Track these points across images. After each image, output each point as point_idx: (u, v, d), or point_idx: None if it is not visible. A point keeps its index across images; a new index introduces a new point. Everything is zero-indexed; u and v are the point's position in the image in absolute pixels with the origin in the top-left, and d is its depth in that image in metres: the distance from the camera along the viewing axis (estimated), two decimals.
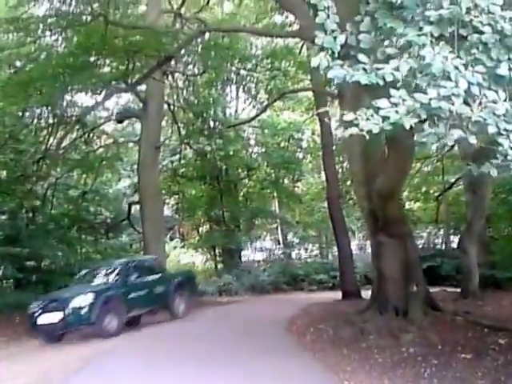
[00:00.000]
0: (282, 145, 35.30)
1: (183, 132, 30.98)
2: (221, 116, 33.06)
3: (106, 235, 30.72)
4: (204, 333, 15.59)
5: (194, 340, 14.31)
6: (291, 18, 26.33)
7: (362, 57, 6.27)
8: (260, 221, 38.33)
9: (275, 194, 36.95)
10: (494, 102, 5.88)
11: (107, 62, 22.94)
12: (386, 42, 6.54)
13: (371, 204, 15.58)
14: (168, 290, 18.88)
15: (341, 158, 31.56)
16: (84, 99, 26.20)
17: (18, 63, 22.02)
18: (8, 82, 20.92)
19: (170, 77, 27.91)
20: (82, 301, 15.62)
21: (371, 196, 15.15)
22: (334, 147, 27.87)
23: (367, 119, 5.71)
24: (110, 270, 18.21)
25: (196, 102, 31.54)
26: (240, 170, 36.11)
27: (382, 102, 5.82)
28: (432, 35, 6.06)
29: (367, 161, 15.58)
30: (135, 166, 27.66)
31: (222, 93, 33.97)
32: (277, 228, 38.92)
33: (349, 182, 31.03)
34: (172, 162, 32.71)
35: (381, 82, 5.97)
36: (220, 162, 33.03)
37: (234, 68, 28.62)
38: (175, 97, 30.54)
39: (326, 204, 28.82)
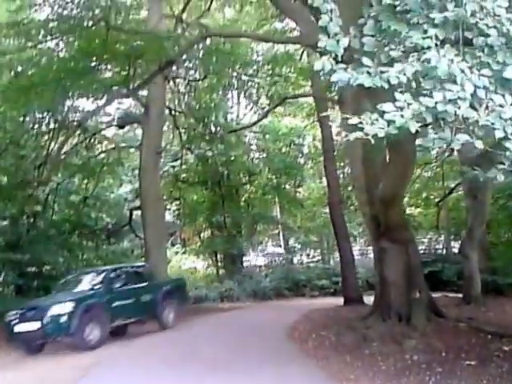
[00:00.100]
0: (284, 150, 35.26)
1: (184, 137, 30.93)
2: (222, 121, 32.98)
3: (107, 241, 30.64)
4: (205, 340, 15.50)
5: (195, 346, 14.24)
6: (291, 24, 26.42)
7: (365, 60, 6.19)
8: (262, 226, 38.24)
9: (277, 200, 36.86)
10: (501, 105, 5.80)
11: (108, 66, 22.89)
12: (390, 46, 6.46)
13: (373, 209, 15.55)
14: (156, 299, 18.04)
15: (342, 164, 31.53)
16: (85, 104, 26.15)
17: (18, 68, 21.93)
18: (9, 87, 20.86)
19: (171, 82, 27.89)
20: (61, 309, 14.91)
21: (373, 201, 15.11)
22: (335, 152, 27.81)
23: (372, 123, 5.62)
24: (94, 277, 17.54)
25: (197, 107, 31.50)
26: (241, 176, 35.99)
27: (387, 106, 5.73)
28: (437, 38, 5.97)
29: (368, 166, 15.55)
30: (136, 172, 27.58)
31: (224, 98, 33.91)
32: (278, 233, 38.86)
33: (350, 188, 30.97)
34: (173, 167, 32.63)
35: (385, 85, 5.89)
36: (221, 167, 32.95)
37: (235, 73, 28.57)
38: (176, 102, 30.51)
39: (327, 209, 28.76)
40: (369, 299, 20.37)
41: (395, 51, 6.29)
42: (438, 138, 5.95)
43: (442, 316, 15.03)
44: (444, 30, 6.06)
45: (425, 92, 6.11)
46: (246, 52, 27.66)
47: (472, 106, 5.79)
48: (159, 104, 25.51)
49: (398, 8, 6.42)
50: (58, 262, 24.76)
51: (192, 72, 28.59)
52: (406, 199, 27.76)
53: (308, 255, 38.71)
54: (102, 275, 17.31)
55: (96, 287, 16.73)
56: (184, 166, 32.75)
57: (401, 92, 5.88)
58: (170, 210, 35.12)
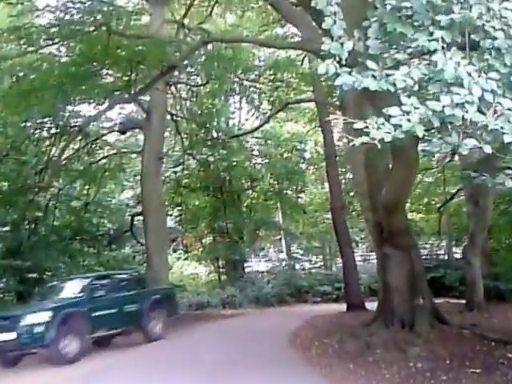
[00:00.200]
0: (285, 156, 35.19)
1: (186, 142, 30.85)
2: (224, 126, 32.99)
3: (108, 247, 30.51)
4: (206, 347, 15.38)
5: (196, 353, 14.14)
6: (292, 30, 26.41)
7: (370, 63, 6.09)
8: (264, 232, 38.14)
9: (279, 205, 36.83)
10: (510, 109, 5.68)
11: (110, 71, 22.82)
12: (396, 48, 6.37)
13: (376, 215, 15.49)
14: (142, 309, 16.87)
15: (344, 169, 31.49)
16: (87, 109, 26.09)
17: (19, 73, 21.85)
18: (9, 92, 20.80)
19: (173, 87, 27.87)
20: (36, 319, 13.85)
21: (376, 207, 15.05)
22: (337, 158, 27.77)
23: (378, 128, 5.52)
24: (77, 284, 16.57)
25: (199, 112, 31.48)
26: (243, 181, 35.97)
27: (394, 110, 5.62)
28: (443, 40, 5.87)
29: (371, 172, 15.50)
30: (138, 177, 27.53)
31: (225, 103, 33.91)
32: (280, 239, 38.78)
33: (352, 193, 30.92)
34: (175, 173, 32.55)
35: (391, 89, 5.79)
36: (223, 172, 32.95)
37: (237, 79, 28.54)
38: (178, 107, 30.53)
39: (329, 215, 28.72)
40: (371, 305, 20.29)
41: (401, 54, 6.20)
42: (445, 142, 5.84)
43: (445, 323, 14.95)
44: (450, 33, 5.96)
45: (430, 96, 6.03)
46: (247, 57, 27.62)
47: (479, 110, 5.69)
48: (161, 109, 25.46)
49: (403, 11, 6.32)
50: (59, 269, 24.62)
51: (194, 77, 28.57)
52: (407, 205, 27.75)
53: (310, 261, 38.62)
54: (85, 283, 16.37)
55: (77, 295, 15.69)
56: (186, 172, 32.66)
57: (407, 96, 5.78)
58: (171, 215, 35.04)
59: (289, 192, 36.86)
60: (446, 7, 6.07)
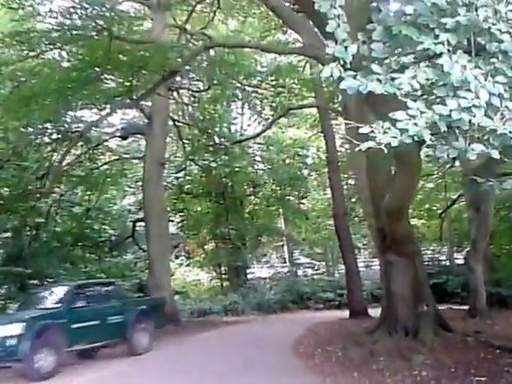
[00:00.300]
0: (288, 161, 35.13)
1: (188, 148, 30.86)
2: (226, 132, 33.00)
3: (110, 253, 30.41)
4: (208, 355, 15.29)
5: (197, 361, 14.03)
6: (294, 36, 26.38)
7: (375, 67, 5.98)
8: (266, 238, 38.06)
9: (281, 211, 36.77)
10: None
11: (111, 77, 22.75)
12: (401, 52, 6.27)
13: (379, 222, 15.38)
14: (126, 320, 15.83)
15: (346, 175, 31.44)
16: (88, 115, 26.04)
17: (21, 78, 21.78)
18: (11, 97, 20.73)
19: (175, 93, 27.81)
20: (8, 331, 12.88)
21: (379, 214, 14.94)
22: (339, 163, 27.71)
23: (385, 132, 5.41)
24: (57, 293, 15.57)
25: (201, 117, 31.44)
26: (246, 187, 35.94)
27: (400, 114, 5.52)
28: (449, 43, 5.76)
29: (373, 178, 15.39)
30: (140, 183, 27.49)
31: (228, 109, 33.91)
32: (283, 245, 38.70)
33: (354, 199, 30.89)
34: (177, 179, 32.57)
35: (397, 92, 5.68)
36: (225, 178, 32.96)
37: (239, 84, 28.49)
38: (180, 113, 30.50)
39: (332, 221, 28.64)
40: (374, 312, 20.19)
41: (406, 57, 6.10)
42: (452, 147, 5.74)
43: (449, 330, 14.83)
44: (456, 35, 5.85)
45: (434, 99, 5.93)
46: (249, 63, 27.61)
47: (486, 114, 5.58)
48: (163, 115, 25.41)
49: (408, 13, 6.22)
50: (61, 275, 24.49)
51: (196, 83, 28.50)
52: (409, 211, 27.73)
53: (312, 267, 38.54)
54: (64, 292, 15.27)
55: (55, 305, 14.69)
56: (188, 178, 32.69)
57: (413, 100, 5.68)
58: (173, 221, 34.95)
59: (291, 198, 36.84)
60: (452, 10, 5.97)
